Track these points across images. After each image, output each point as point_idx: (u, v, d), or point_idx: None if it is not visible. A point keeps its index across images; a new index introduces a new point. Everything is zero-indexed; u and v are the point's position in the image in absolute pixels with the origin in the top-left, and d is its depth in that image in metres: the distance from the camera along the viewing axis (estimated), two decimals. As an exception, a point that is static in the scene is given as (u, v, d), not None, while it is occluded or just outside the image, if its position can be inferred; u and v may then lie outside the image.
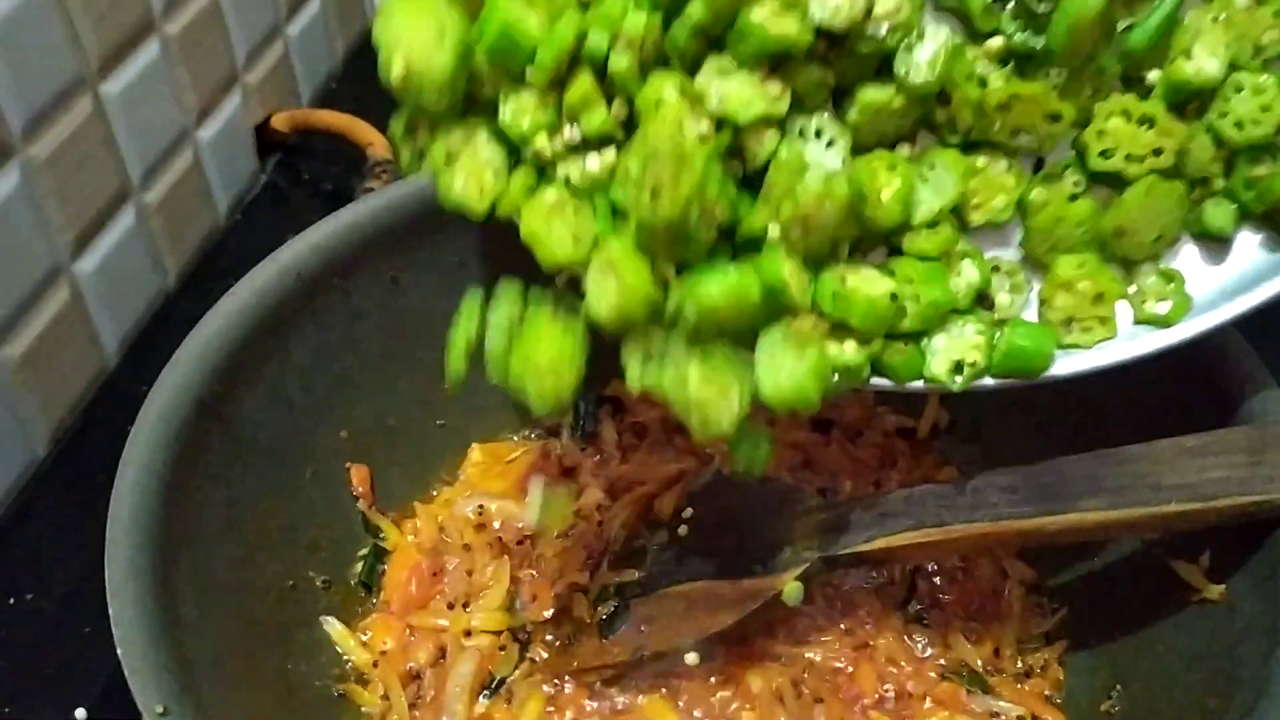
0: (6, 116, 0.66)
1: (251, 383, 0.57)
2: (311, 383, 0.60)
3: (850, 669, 0.58)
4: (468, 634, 0.61)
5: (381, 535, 0.65)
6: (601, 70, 0.45)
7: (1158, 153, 0.47)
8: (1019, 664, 0.57)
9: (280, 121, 0.93)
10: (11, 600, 0.66)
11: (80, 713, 0.60)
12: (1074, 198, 0.48)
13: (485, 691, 0.59)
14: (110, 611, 0.45)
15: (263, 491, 0.57)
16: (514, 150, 0.47)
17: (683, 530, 0.62)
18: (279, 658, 0.55)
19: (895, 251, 0.48)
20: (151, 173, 0.80)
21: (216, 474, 0.54)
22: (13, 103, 0.66)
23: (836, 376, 0.46)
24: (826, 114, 0.46)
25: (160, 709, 0.42)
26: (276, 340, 0.58)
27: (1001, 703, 0.56)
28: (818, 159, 0.46)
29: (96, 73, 0.74)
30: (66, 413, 0.74)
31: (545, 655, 0.60)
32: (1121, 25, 0.46)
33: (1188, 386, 0.55)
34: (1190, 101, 0.47)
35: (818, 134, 0.46)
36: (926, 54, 0.46)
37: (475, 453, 0.68)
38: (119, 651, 0.44)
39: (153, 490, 0.49)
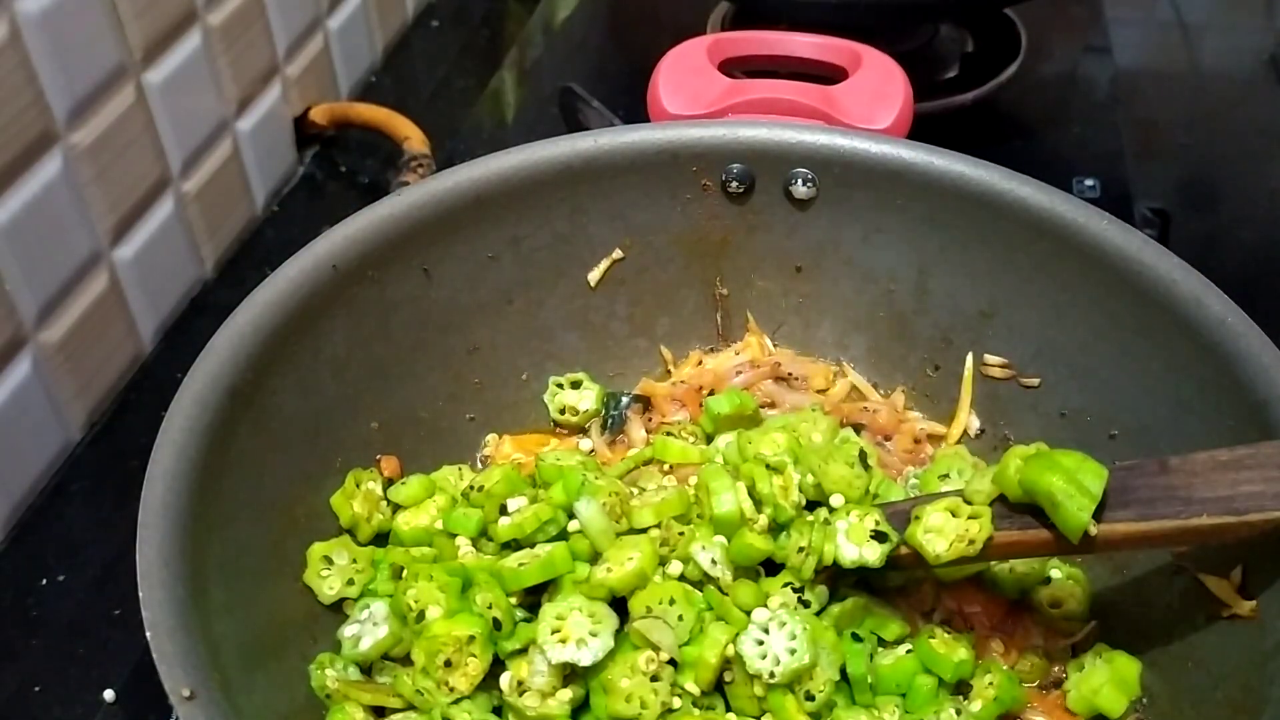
0: (51, 104, 0.67)
1: (284, 372, 0.57)
2: (343, 373, 0.61)
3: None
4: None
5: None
6: None
7: None
8: (1046, 675, 0.57)
9: (319, 114, 0.94)
10: (44, 581, 0.66)
11: (109, 694, 0.61)
12: None
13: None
14: (140, 594, 0.45)
15: (293, 480, 0.57)
16: None
17: None
18: (305, 644, 0.55)
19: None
20: (191, 162, 0.81)
21: (247, 462, 0.54)
22: (57, 91, 0.67)
23: None
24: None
25: (187, 692, 0.42)
26: (310, 330, 0.59)
27: (1028, 714, 0.56)
28: None
29: (139, 62, 0.74)
30: (102, 397, 0.75)
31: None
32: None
33: (1224, 401, 0.55)
34: None
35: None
36: None
37: (506, 445, 0.68)
38: (148, 634, 0.44)
39: (184, 476, 0.49)
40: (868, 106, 0.74)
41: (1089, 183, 0.91)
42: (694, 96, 0.75)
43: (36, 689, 0.61)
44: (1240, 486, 0.49)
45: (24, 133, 0.65)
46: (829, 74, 0.79)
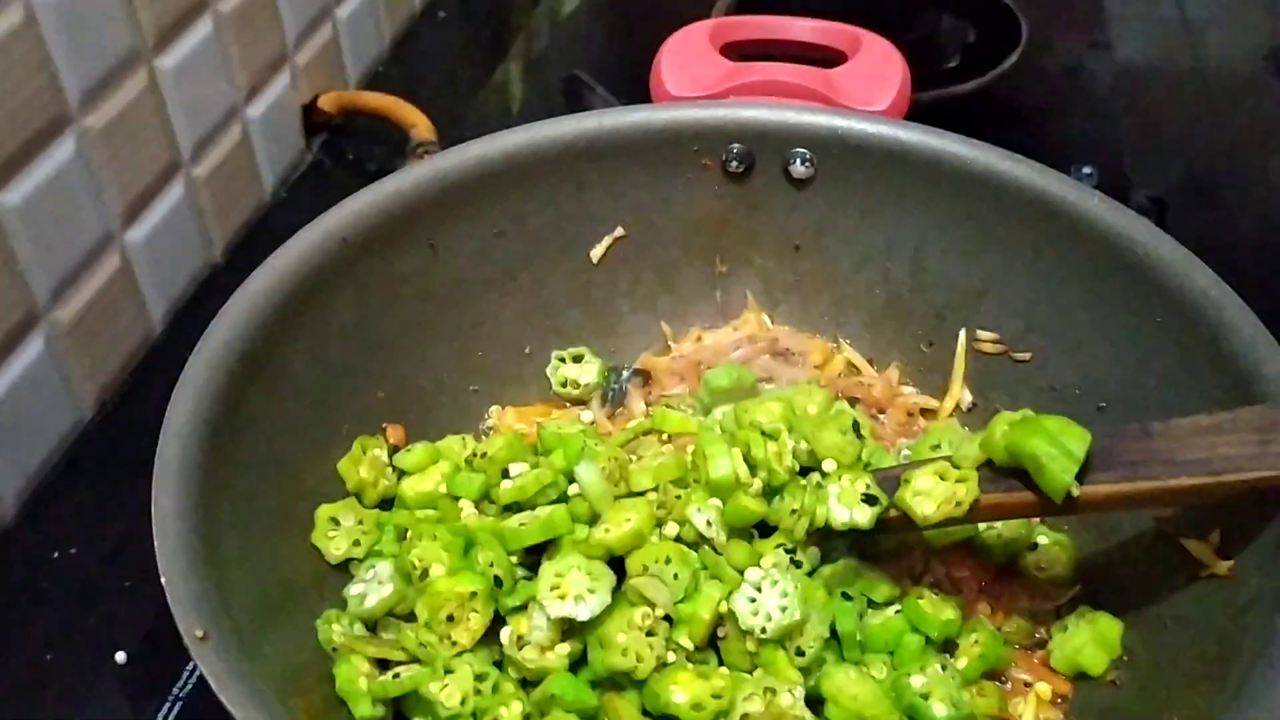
0: (65, 87, 0.68)
1: (293, 341, 0.58)
2: (351, 344, 0.62)
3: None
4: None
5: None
6: None
7: None
8: (1031, 636, 0.58)
9: (327, 102, 0.95)
10: (55, 555, 0.67)
11: (121, 655, 0.62)
12: None
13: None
14: (155, 544, 0.46)
15: (301, 444, 0.58)
16: None
17: None
18: (313, 600, 0.56)
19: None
20: (201, 147, 0.82)
21: (258, 425, 0.55)
22: (71, 74, 0.68)
23: None
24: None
25: (200, 633, 0.44)
26: (319, 301, 0.60)
27: (1012, 670, 0.57)
28: None
29: (152, 48, 0.76)
30: (113, 377, 0.76)
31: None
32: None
33: (1209, 375, 0.56)
34: None
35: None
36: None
37: (509, 416, 0.69)
38: (162, 579, 0.45)
39: (198, 435, 0.51)
40: (866, 89, 0.75)
41: (1087, 170, 0.91)
42: (696, 79, 0.76)
43: (49, 657, 0.63)
44: (1218, 450, 0.50)
45: (38, 116, 0.67)
46: (829, 57, 0.81)
